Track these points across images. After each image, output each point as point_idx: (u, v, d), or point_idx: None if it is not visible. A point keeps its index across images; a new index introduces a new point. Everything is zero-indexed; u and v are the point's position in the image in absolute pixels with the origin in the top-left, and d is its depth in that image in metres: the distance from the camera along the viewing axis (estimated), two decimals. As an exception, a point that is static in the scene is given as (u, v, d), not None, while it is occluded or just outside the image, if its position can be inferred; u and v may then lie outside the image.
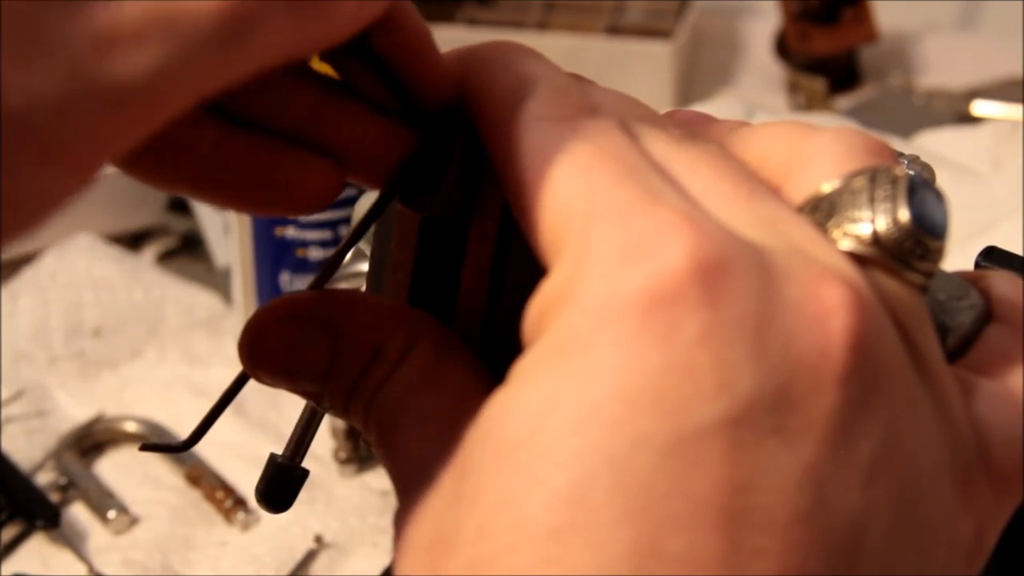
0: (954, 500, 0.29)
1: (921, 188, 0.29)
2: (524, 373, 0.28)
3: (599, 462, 0.26)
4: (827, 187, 0.30)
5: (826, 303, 0.27)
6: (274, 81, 0.32)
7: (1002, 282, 0.33)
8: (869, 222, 0.29)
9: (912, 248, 0.29)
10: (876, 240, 0.29)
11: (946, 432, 0.29)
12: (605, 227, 0.28)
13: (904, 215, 0.29)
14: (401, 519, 0.30)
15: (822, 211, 0.30)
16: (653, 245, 0.27)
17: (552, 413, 0.27)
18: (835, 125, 0.32)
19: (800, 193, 0.30)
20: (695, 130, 0.32)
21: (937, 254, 0.29)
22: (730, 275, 0.27)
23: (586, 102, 0.31)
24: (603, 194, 0.28)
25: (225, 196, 0.33)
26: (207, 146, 0.32)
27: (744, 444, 0.26)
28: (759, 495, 0.26)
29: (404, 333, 0.33)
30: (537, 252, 0.29)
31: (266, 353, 0.34)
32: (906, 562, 0.28)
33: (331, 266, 0.35)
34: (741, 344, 0.27)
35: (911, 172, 0.30)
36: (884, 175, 0.29)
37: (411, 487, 0.30)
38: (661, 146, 0.30)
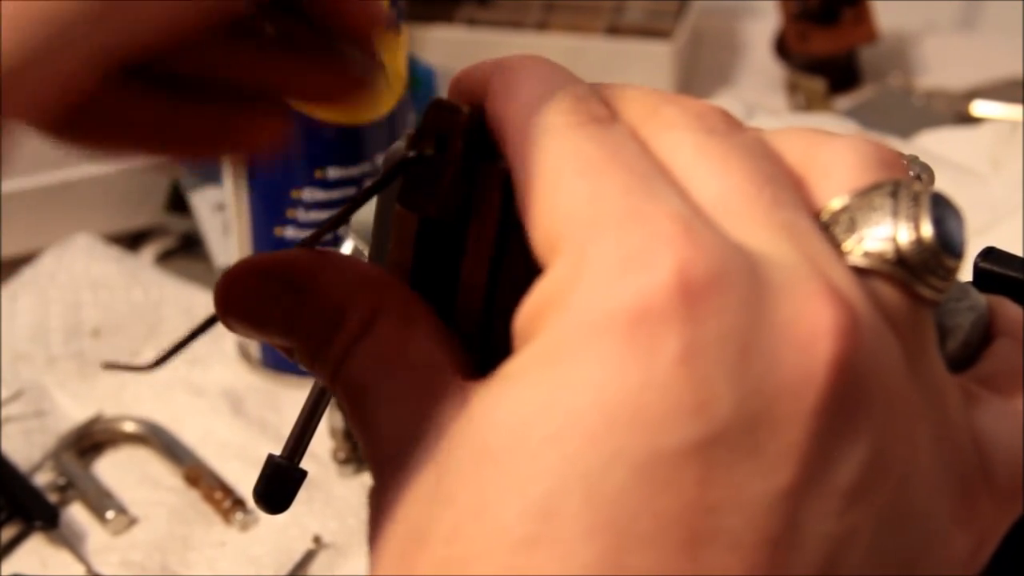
0: (951, 516, 0.29)
1: (943, 205, 0.29)
2: (509, 377, 0.28)
3: (573, 476, 0.26)
4: (841, 201, 0.29)
5: (817, 326, 0.27)
6: (211, 39, 0.32)
7: (1003, 301, 0.33)
8: (891, 238, 0.29)
9: (932, 266, 0.29)
10: (898, 255, 0.29)
11: (946, 449, 0.29)
12: (604, 235, 0.28)
13: (928, 231, 0.28)
14: (376, 501, 0.30)
15: (841, 224, 0.29)
16: (646, 258, 0.27)
17: (533, 422, 0.27)
18: (843, 132, 0.32)
19: (814, 203, 0.30)
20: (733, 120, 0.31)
21: (952, 273, 0.29)
22: (717, 292, 0.27)
23: (603, 112, 0.31)
24: (608, 201, 0.28)
25: (175, 154, 0.35)
26: (147, 114, 0.33)
27: (718, 465, 0.26)
28: (728, 517, 0.26)
29: (367, 301, 0.33)
30: (535, 250, 0.29)
31: (235, 302, 0.35)
32: None
33: (321, 232, 0.36)
34: (722, 364, 0.26)
35: (933, 189, 0.29)
36: (906, 190, 0.29)
37: (385, 469, 0.31)
38: (691, 141, 0.30)
